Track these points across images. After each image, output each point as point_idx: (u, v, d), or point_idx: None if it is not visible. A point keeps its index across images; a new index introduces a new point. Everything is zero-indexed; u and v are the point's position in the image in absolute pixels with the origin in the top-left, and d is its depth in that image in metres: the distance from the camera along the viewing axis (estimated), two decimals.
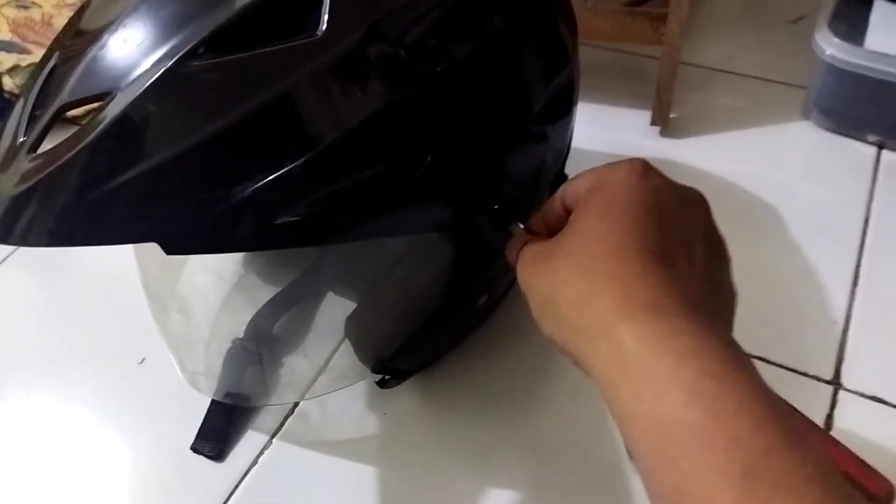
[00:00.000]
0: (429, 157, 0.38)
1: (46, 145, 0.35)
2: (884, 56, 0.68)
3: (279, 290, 0.60)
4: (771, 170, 0.72)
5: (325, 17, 0.34)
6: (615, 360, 0.29)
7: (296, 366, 0.58)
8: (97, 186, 0.33)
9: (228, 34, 0.34)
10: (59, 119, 0.35)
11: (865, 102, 0.71)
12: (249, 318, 0.58)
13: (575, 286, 0.32)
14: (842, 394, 0.54)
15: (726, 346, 0.28)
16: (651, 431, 0.27)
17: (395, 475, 0.51)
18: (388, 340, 0.51)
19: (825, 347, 0.57)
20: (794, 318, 0.59)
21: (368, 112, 0.36)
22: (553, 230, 0.37)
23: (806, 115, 0.77)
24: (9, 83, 0.84)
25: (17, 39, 0.87)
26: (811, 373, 0.55)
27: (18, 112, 0.37)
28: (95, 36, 0.35)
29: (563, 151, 0.52)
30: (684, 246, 0.33)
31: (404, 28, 0.37)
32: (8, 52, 0.86)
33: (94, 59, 0.35)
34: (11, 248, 0.70)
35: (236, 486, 0.51)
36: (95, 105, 0.34)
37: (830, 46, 0.70)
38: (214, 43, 0.33)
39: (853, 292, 0.60)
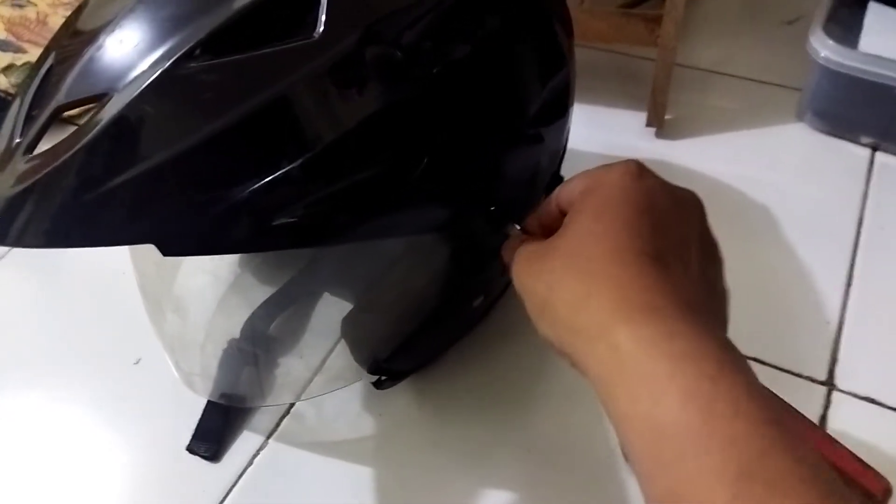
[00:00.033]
0: (425, 159, 0.38)
1: (43, 146, 0.35)
2: (877, 58, 0.68)
3: (275, 290, 0.60)
4: (765, 171, 0.72)
5: (322, 19, 0.34)
6: (612, 361, 0.29)
7: (292, 366, 0.58)
8: (94, 188, 0.33)
9: (225, 36, 0.34)
10: (55, 120, 0.35)
11: (859, 104, 0.72)
12: (245, 318, 0.58)
13: (571, 287, 0.32)
14: (835, 394, 0.54)
15: (723, 348, 0.28)
16: (647, 433, 0.27)
17: (392, 476, 0.52)
18: (385, 341, 0.51)
19: (819, 348, 0.57)
20: (788, 318, 0.59)
21: (365, 114, 0.36)
22: (548, 231, 0.37)
23: (800, 117, 0.77)
24: (3, 82, 0.84)
25: (11, 38, 0.87)
26: (805, 373, 0.55)
27: (15, 112, 0.37)
28: (92, 36, 0.35)
29: (559, 152, 0.52)
30: (679, 247, 0.33)
31: (401, 30, 0.37)
32: (3, 50, 0.86)
33: (91, 59, 0.34)
34: (7, 248, 0.70)
35: (232, 487, 0.51)
36: (92, 105, 0.34)
37: (825, 49, 0.70)
38: (211, 44, 0.33)
39: (847, 293, 0.61)
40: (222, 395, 0.55)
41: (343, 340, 0.54)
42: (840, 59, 0.69)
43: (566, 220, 0.35)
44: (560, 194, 0.38)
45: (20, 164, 0.34)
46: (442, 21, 0.39)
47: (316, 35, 0.34)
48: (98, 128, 0.33)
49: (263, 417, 0.55)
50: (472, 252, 0.46)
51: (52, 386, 0.59)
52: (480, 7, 0.41)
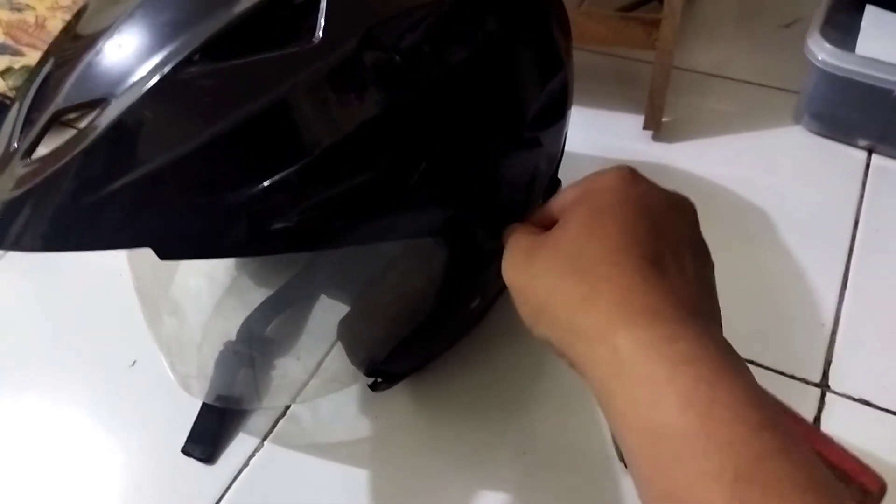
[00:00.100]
0: (423, 163, 0.38)
1: (42, 150, 0.35)
2: (874, 62, 0.68)
3: (272, 292, 0.60)
4: (762, 174, 0.72)
5: (321, 24, 0.35)
6: (611, 364, 0.29)
7: (288, 369, 0.58)
8: (92, 192, 0.33)
9: (224, 41, 0.34)
10: (54, 124, 0.35)
11: (856, 107, 0.72)
12: (242, 320, 0.58)
13: (571, 289, 0.32)
14: (829, 396, 0.54)
15: (722, 351, 0.28)
16: (645, 436, 0.27)
17: (387, 478, 0.52)
18: (381, 344, 0.51)
19: (814, 350, 0.57)
20: (784, 320, 0.59)
21: (364, 118, 0.36)
22: None
23: (797, 120, 0.77)
24: (2, 85, 0.83)
25: (10, 42, 0.87)
26: (799, 375, 0.55)
27: (14, 116, 0.37)
28: (91, 41, 0.35)
29: (557, 156, 0.52)
30: (675, 251, 0.33)
31: (400, 34, 0.37)
32: (1, 54, 0.86)
33: (90, 64, 0.35)
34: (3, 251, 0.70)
35: (227, 489, 0.51)
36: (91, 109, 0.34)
37: (822, 52, 0.70)
38: (210, 50, 0.33)
39: (842, 295, 0.61)
40: (218, 398, 0.55)
41: (339, 343, 0.54)
42: (837, 62, 0.69)
43: (560, 221, 0.35)
44: (553, 203, 0.38)
45: (19, 168, 0.34)
46: (440, 25, 0.39)
47: (315, 40, 0.35)
48: (97, 132, 0.33)
49: (259, 419, 0.55)
50: (470, 254, 0.46)
51: (48, 387, 0.59)
52: (478, 11, 0.41)
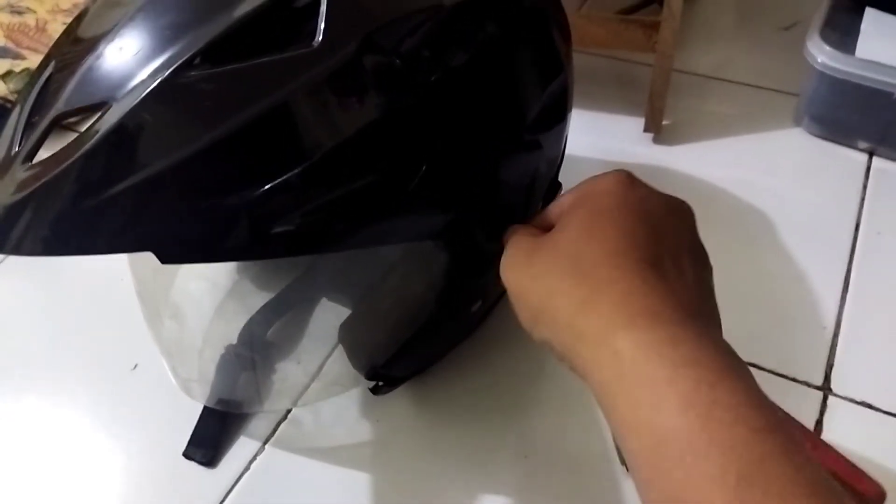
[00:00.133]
0: (424, 166, 0.38)
1: (43, 153, 0.35)
2: (874, 64, 0.68)
3: (273, 296, 0.60)
4: (763, 176, 0.72)
5: (322, 28, 0.35)
6: (612, 366, 0.29)
7: (289, 372, 0.58)
8: (93, 196, 0.33)
9: (225, 45, 0.34)
10: (55, 128, 0.35)
11: (856, 110, 0.72)
12: (243, 324, 0.58)
13: (571, 293, 0.32)
14: (831, 399, 0.54)
15: (723, 354, 0.28)
16: (646, 439, 0.27)
17: (388, 482, 0.52)
18: (382, 347, 0.51)
19: (815, 353, 0.57)
20: (785, 323, 0.59)
21: (364, 122, 0.36)
22: None
23: (797, 122, 0.77)
24: (2, 89, 0.84)
25: (11, 45, 0.87)
26: (801, 378, 0.55)
27: (14, 120, 0.37)
28: (92, 44, 0.35)
29: (557, 159, 0.52)
30: (674, 254, 0.33)
31: (400, 38, 0.37)
32: (2, 57, 0.86)
33: (91, 68, 0.35)
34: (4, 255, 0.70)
35: (228, 493, 0.51)
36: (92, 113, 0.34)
37: (822, 54, 0.70)
38: (211, 53, 0.34)
39: (843, 298, 0.61)
40: (219, 401, 0.55)
41: (340, 346, 0.54)
42: (837, 65, 0.69)
43: (558, 224, 0.35)
44: (552, 207, 0.38)
45: (19, 172, 0.34)
46: (440, 29, 0.39)
47: (315, 44, 0.35)
48: (97, 136, 0.33)
49: (260, 423, 0.55)
50: (470, 258, 0.46)
51: (49, 391, 0.59)
52: (479, 14, 0.41)
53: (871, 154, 0.74)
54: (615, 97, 0.83)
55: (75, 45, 0.37)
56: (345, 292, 0.58)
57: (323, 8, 0.35)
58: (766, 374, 0.56)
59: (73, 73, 0.35)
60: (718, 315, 0.35)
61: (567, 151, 0.54)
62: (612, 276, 0.31)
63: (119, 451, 0.54)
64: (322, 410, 0.56)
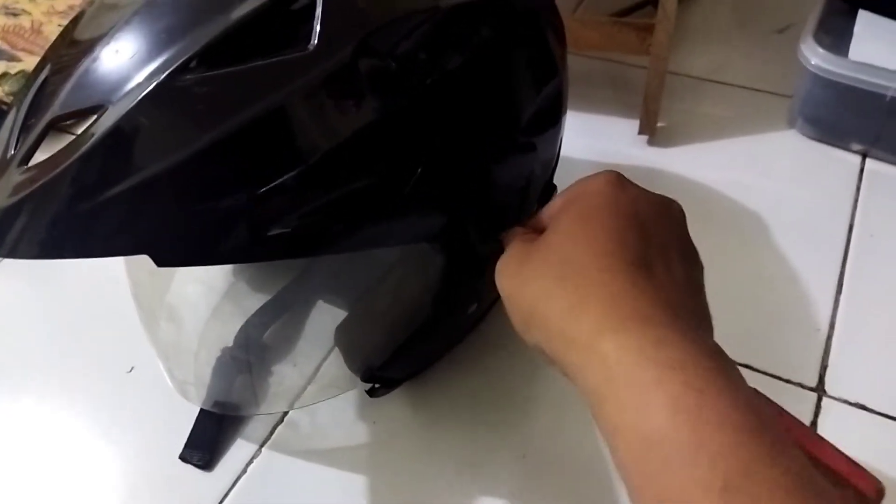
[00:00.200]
0: (419, 169, 0.38)
1: (39, 156, 0.35)
2: (867, 66, 0.68)
3: (269, 298, 0.60)
4: (757, 178, 0.73)
5: (317, 31, 0.35)
6: (602, 371, 0.29)
7: (285, 375, 0.58)
8: (88, 199, 0.33)
9: (221, 48, 0.34)
10: (50, 131, 0.35)
11: (850, 112, 0.72)
12: (239, 326, 0.58)
13: (561, 296, 0.32)
14: (825, 401, 0.54)
15: (711, 355, 0.28)
16: (634, 444, 0.27)
17: (386, 484, 0.52)
18: (378, 349, 0.51)
19: (809, 355, 0.57)
20: (779, 325, 0.60)
21: (360, 125, 0.36)
22: None
23: (791, 124, 0.78)
24: None
25: (6, 47, 0.87)
26: (795, 380, 0.56)
27: (10, 123, 0.37)
28: (88, 47, 0.35)
29: (552, 161, 0.52)
30: (663, 254, 0.33)
31: (395, 41, 0.37)
32: None
33: (87, 71, 0.35)
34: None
35: (225, 496, 0.51)
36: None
37: (815, 56, 0.71)
38: (207, 56, 0.34)
39: (837, 300, 0.61)
40: (216, 404, 0.55)
41: (337, 349, 0.54)
42: (830, 67, 0.70)
43: (549, 227, 0.36)
44: (545, 210, 0.38)
45: (15, 175, 0.34)
46: (436, 32, 0.39)
47: (311, 47, 0.35)
48: (93, 139, 0.33)
49: (257, 426, 0.55)
50: (466, 260, 0.46)
51: (45, 393, 0.59)
52: (474, 17, 0.41)
53: (864, 156, 0.74)
54: (610, 99, 0.83)
55: (71, 47, 0.37)
56: (341, 295, 0.58)
57: (319, 11, 0.35)
58: (759, 375, 0.56)
59: (69, 75, 0.35)
60: (709, 314, 0.35)
61: (562, 154, 0.55)
62: (602, 278, 0.31)
63: (115, 454, 0.54)
64: (319, 413, 0.56)
